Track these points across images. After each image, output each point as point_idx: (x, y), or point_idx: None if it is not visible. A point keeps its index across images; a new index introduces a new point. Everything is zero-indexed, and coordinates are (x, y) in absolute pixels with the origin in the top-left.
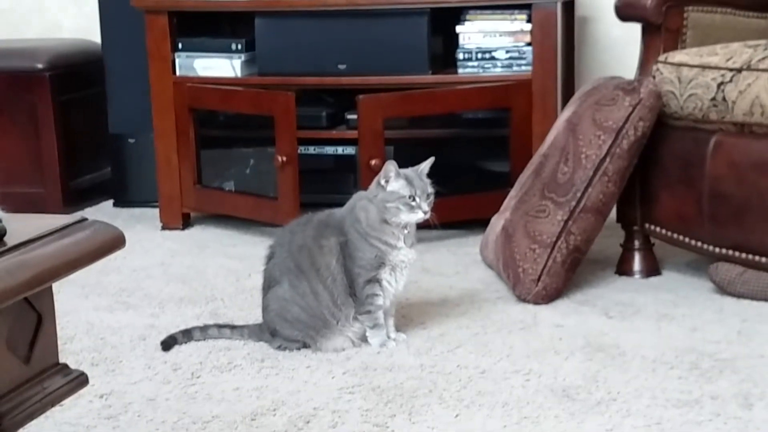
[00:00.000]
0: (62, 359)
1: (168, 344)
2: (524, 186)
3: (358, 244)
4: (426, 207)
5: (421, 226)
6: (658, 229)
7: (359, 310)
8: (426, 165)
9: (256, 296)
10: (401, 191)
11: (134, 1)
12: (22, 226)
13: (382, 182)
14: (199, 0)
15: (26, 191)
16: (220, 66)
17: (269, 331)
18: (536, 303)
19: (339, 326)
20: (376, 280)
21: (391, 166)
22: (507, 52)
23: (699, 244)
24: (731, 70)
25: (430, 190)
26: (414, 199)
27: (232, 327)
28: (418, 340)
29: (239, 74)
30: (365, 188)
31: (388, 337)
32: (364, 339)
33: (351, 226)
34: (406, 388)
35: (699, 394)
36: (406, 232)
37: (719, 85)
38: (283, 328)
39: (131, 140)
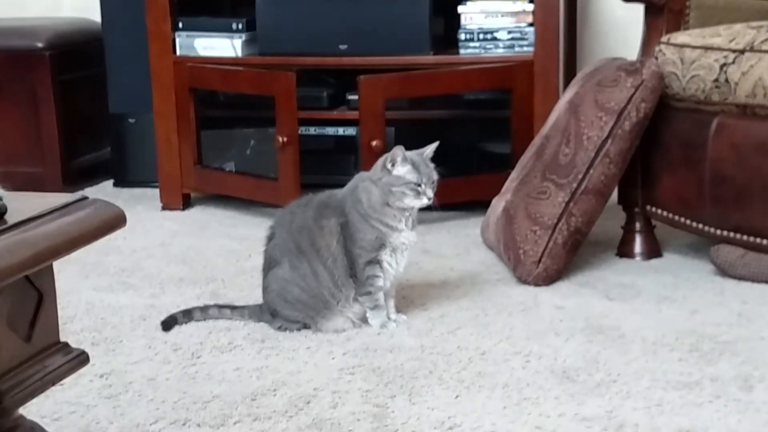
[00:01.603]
0: (63, 339)
1: (168, 324)
2: (525, 167)
3: (359, 226)
4: (431, 193)
5: (422, 207)
6: (659, 211)
7: (359, 291)
8: (430, 149)
9: (256, 277)
10: (407, 176)
11: None
12: (22, 204)
13: (389, 166)
14: None
15: (26, 171)
16: (220, 46)
17: (270, 312)
18: (537, 285)
19: (339, 307)
20: (376, 262)
21: (399, 150)
22: (509, 32)
23: (700, 226)
24: (734, 51)
25: (435, 176)
26: (420, 186)
27: (233, 307)
28: (418, 321)
29: (240, 54)
30: (366, 169)
31: (389, 318)
32: (364, 320)
33: (352, 207)
34: (407, 369)
35: (699, 376)
36: (407, 214)
37: (722, 66)
38: (284, 309)
39: (131, 120)
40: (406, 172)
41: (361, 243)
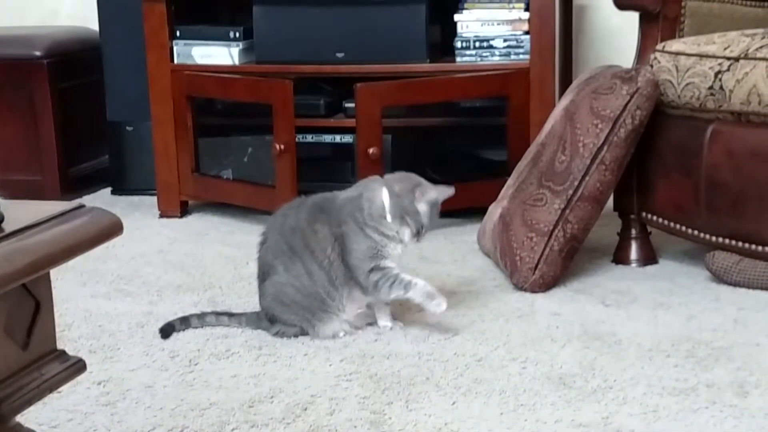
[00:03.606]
0: (60, 347)
1: (166, 331)
2: (522, 174)
3: (353, 236)
4: (412, 241)
5: None
6: (654, 217)
7: (377, 297)
8: (445, 196)
9: (253, 284)
10: (420, 218)
11: None
12: (19, 212)
13: (417, 193)
14: None
15: (24, 179)
16: (218, 54)
17: (267, 318)
18: (533, 291)
19: (336, 303)
20: (378, 269)
21: (435, 193)
22: (505, 40)
23: (696, 232)
24: (729, 59)
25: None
26: (419, 233)
27: (230, 314)
28: (415, 327)
29: (237, 62)
30: (363, 176)
31: (386, 325)
32: (359, 326)
33: (350, 215)
34: (403, 376)
35: (695, 382)
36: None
37: (717, 73)
38: (281, 313)
39: (129, 128)
40: (423, 214)
41: (356, 254)
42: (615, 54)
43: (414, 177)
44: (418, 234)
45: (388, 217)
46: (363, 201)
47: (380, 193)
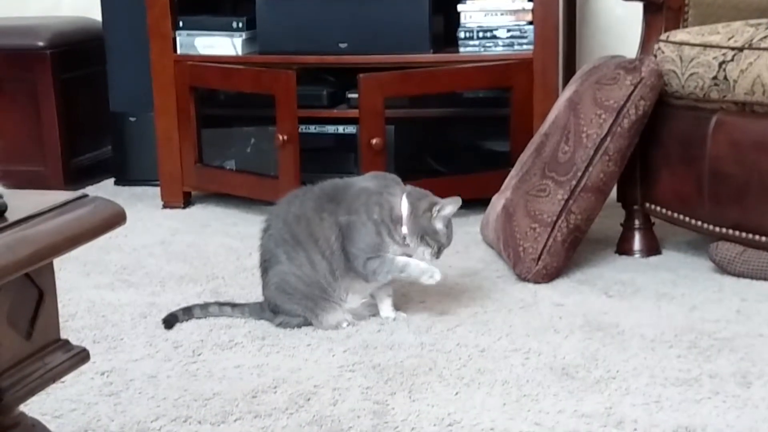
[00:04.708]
0: (63, 336)
1: (169, 322)
2: (525, 165)
3: (362, 229)
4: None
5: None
6: (658, 208)
7: (376, 282)
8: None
9: (256, 275)
10: (439, 237)
11: None
12: (23, 202)
13: (435, 210)
14: None
15: (27, 169)
16: (220, 44)
17: (270, 308)
18: (536, 282)
19: (337, 295)
20: (377, 256)
21: (454, 206)
22: (508, 30)
23: (699, 223)
24: (733, 49)
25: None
26: (439, 251)
27: (233, 305)
28: (418, 318)
29: (240, 53)
30: (367, 169)
31: (389, 316)
32: (363, 317)
33: (363, 206)
34: (406, 366)
35: (698, 372)
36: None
37: (721, 64)
38: (284, 302)
39: (132, 118)
40: (440, 231)
41: (359, 245)
42: (618, 44)
43: (427, 192)
44: (438, 252)
45: (404, 229)
46: (383, 200)
47: (400, 200)
